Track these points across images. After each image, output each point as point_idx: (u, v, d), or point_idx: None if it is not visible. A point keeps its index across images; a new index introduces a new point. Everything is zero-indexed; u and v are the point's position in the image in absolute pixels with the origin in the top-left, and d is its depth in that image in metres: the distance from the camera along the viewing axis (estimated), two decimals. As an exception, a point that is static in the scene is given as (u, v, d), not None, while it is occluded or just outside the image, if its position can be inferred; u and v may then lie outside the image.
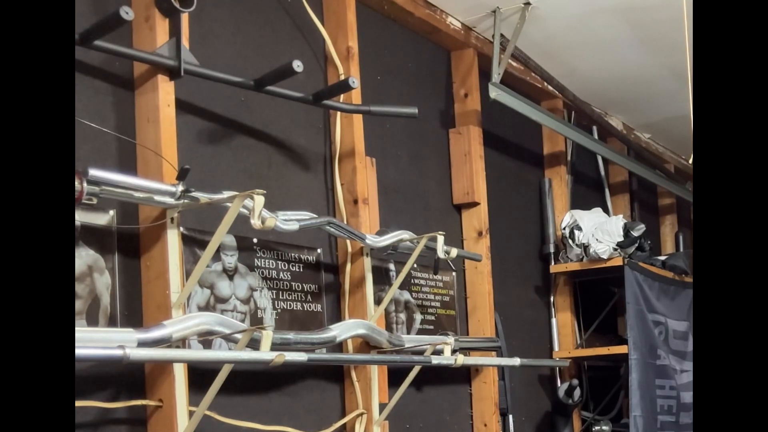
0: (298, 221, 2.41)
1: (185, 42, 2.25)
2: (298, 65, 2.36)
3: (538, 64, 3.83)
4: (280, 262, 2.61)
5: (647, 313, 4.08)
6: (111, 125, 2.17)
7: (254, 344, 2.10)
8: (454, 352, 3.12)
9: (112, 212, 2.13)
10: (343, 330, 2.60)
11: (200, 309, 2.31)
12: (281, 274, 2.61)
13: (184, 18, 2.24)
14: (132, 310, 2.15)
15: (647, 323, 4.08)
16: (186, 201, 2.11)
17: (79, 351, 1.83)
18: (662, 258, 4.54)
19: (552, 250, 4.14)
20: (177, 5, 2.20)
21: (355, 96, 2.85)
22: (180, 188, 2.09)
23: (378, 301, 2.88)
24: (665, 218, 5.59)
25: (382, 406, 2.80)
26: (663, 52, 3.86)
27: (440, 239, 2.88)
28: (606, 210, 4.66)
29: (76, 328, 1.91)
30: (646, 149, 5.11)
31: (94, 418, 2.01)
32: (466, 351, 3.29)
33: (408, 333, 3.16)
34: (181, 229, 2.20)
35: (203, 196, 2.15)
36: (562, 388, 4.03)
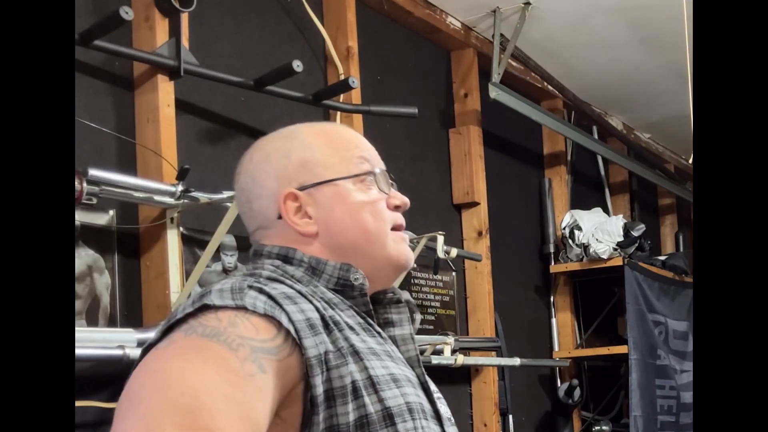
0: (298, 221, 2.40)
1: (185, 42, 2.25)
2: (298, 65, 2.36)
3: (538, 64, 3.83)
4: (280, 262, 2.61)
5: (647, 313, 4.08)
6: (111, 125, 2.17)
7: (254, 344, 2.09)
8: (454, 351, 3.12)
9: (111, 212, 2.13)
10: (343, 330, 2.60)
11: (200, 309, 2.31)
12: (281, 274, 2.61)
13: (184, 18, 2.24)
14: (132, 310, 2.15)
15: (647, 323, 4.08)
16: (186, 201, 2.11)
17: (79, 351, 1.83)
18: (662, 258, 4.53)
19: (552, 250, 4.14)
20: (177, 5, 2.20)
21: (355, 96, 2.85)
22: (180, 188, 2.09)
23: (378, 301, 2.88)
24: (665, 218, 5.59)
25: (382, 406, 2.80)
26: (663, 52, 3.86)
27: (440, 239, 2.88)
28: (606, 210, 4.66)
29: (76, 328, 1.91)
30: (646, 149, 5.11)
31: (94, 418, 2.01)
32: (466, 351, 3.29)
33: (408, 333, 3.15)
34: (181, 229, 2.20)
35: (203, 196, 2.15)
36: (562, 388, 4.03)
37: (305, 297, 1.11)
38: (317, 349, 1.05)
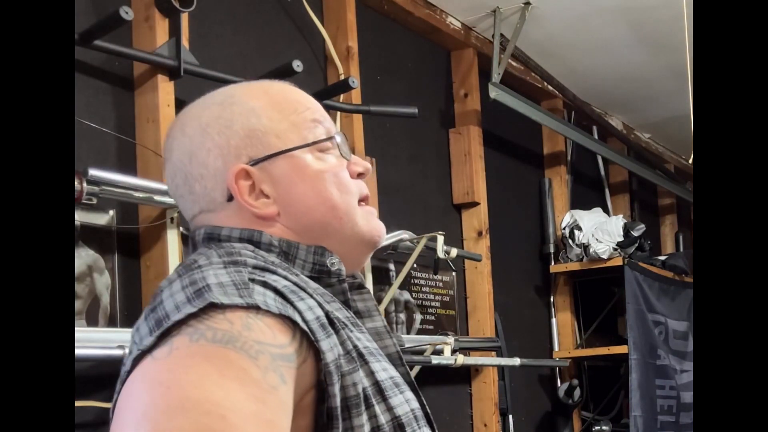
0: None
1: (185, 42, 2.25)
2: (298, 65, 2.36)
3: (538, 64, 3.83)
4: (280, 262, 2.61)
5: (647, 313, 4.08)
6: (111, 125, 2.17)
7: (254, 344, 2.09)
8: (454, 352, 3.12)
9: (111, 212, 2.13)
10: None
11: (200, 309, 2.31)
12: (281, 274, 2.60)
13: (184, 18, 2.24)
14: (132, 310, 2.15)
15: (647, 323, 4.08)
16: (186, 201, 2.11)
17: (79, 351, 1.83)
18: (662, 258, 4.53)
19: (552, 250, 4.14)
20: (177, 5, 2.20)
21: (355, 96, 2.85)
22: (180, 188, 2.09)
23: (378, 301, 2.88)
24: (665, 218, 5.59)
25: (382, 406, 2.79)
26: (663, 52, 3.86)
27: (440, 239, 2.88)
28: (606, 210, 4.66)
29: (76, 328, 1.91)
30: (646, 149, 5.11)
31: (94, 418, 2.01)
32: (466, 351, 3.29)
33: (408, 333, 3.16)
34: (181, 229, 2.20)
35: (203, 196, 2.14)
36: (562, 388, 4.03)
37: (303, 290, 0.98)
38: (333, 353, 0.93)
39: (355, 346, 0.99)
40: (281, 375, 0.86)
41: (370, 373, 0.98)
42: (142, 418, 0.80)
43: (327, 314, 0.97)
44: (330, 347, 0.93)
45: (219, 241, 1.05)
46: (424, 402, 1.11)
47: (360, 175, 1.12)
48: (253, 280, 0.93)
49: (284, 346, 0.89)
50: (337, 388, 0.92)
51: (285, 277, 0.98)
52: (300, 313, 0.92)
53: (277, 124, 1.08)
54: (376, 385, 0.99)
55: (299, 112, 1.10)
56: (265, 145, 1.06)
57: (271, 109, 1.08)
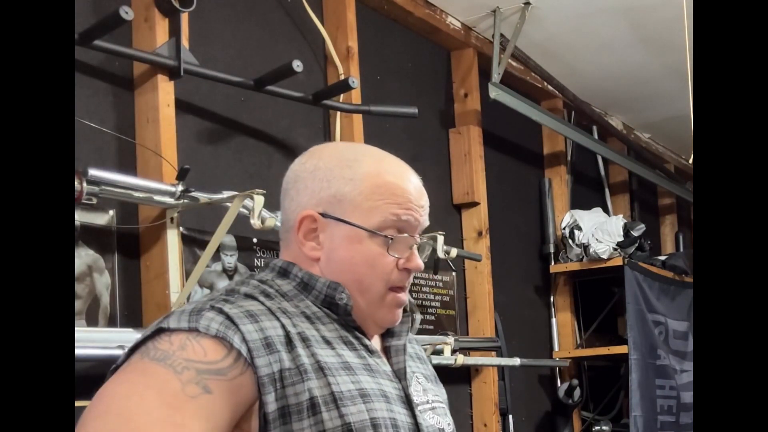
0: (298, 221, 2.40)
1: (185, 42, 2.25)
2: (297, 65, 2.36)
3: (538, 64, 3.83)
4: (280, 262, 2.60)
5: (647, 313, 4.08)
6: (111, 125, 2.17)
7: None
8: (453, 352, 3.12)
9: (111, 212, 2.13)
10: (343, 330, 2.59)
11: (200, 309, 2.31)
12: (281, 274, 2.60)
13: (184, 18, 2.24)
14: (132, 310, 2.15)
15: (647, 323, 4.08)
16: (186, 201, 2.11)
17: (79, 351, 1.83)
18: (662, 258, 4.53)
19: (552, 250, 4.14)
20: (177, 5, 2.20)
21: (355, 96, 2.85)
22: (180, 188, 2.09)
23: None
24: (665, 218, 5.59)
25: (382, 406, 2.79)
26: (663, 52, 3.86)
27: (440, 239, 2.88)
28: (606, 210, 4.66)
29: (76, 328, 1.91)
30: (646, 149, 5.11)
31: (94, 418, 2.01)
32: (465, 351, 3.29)
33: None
34: (181, 229, 2.20)
35: (203, 196, 2.15)
36: (562, 388, 4.02)
37: (273, 314, 1.16)
38: (270, 368, 1.10)
39: (317, 361, 1.14)
40: (204, 386, 1.05)
41: (327, 385, 1.13)
42: (83, 420, 1.03)
43: (288, 334, 1.14)
44: (267, 363, 1.10)
45: (266, 267, 1.30)
46: (415, 413, 1.23)
47: (407, 271, 1.28)
48: (212, 308, 1.12)
49: (215, 363, 1.08)
50: (271, 397, 1.09)
51: (262, 303, 1.17)
52: (242, 334, 1.10)
53: (361, 200, 1.25)
54: (332, 395, 1.13)
55: (387, 203, 1.26)
56: (340, 210, 1.25)
57: (369, 187, 1.26)
